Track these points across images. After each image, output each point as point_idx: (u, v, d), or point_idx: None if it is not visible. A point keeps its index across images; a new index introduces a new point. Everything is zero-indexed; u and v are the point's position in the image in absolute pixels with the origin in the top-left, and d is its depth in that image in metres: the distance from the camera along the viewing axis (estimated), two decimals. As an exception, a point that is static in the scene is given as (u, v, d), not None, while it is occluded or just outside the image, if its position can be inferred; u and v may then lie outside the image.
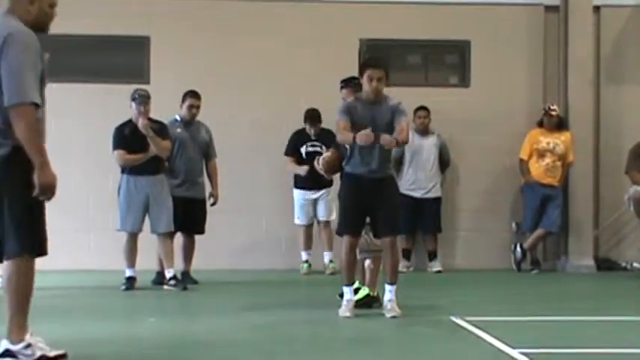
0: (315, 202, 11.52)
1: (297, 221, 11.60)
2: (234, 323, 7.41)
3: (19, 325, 5.22)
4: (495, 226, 12.29)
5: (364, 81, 7.31)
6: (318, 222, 11.66)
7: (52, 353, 5.26)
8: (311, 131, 11.40)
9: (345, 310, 7.49)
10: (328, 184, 11.04)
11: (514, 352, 5.76)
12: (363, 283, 8.26)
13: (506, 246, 12.16)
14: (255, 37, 11.96)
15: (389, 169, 7.76)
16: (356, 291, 8.36)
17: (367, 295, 8.12)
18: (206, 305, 8.80)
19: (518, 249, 12.07)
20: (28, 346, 5.21)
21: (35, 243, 5.23)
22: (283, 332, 6.83)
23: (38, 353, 5.19)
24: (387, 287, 7.55)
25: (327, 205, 11.50)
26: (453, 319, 6.99)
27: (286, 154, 11.51)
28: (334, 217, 11.55)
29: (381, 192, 7.49)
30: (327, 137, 11.03)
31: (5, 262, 5.24)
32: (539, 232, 12.00)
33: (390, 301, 7.52)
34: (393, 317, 7.33)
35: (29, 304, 5.25)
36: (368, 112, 7.37)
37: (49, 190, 5.06)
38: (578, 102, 12.25)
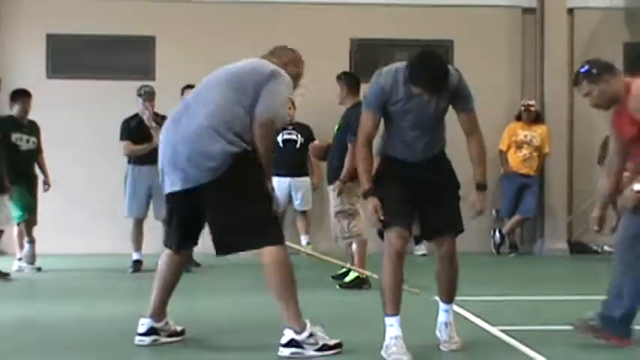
0: (292, 191, 11.60)
1: None
2: (236, 302, 7.63)
3: (295, 314, 5.23)
4: (476, 212, 12.74)
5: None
6: (295, 211, 11.80)
7: (332, 342, 5.28)
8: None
9: (397, 352, 5.17)
10: (306, 172, 11.26)
11: (494, 330, 5.99)
12: (352, 263, 8.46)
13: (486, 231, 12.36)
14: (253, 38, 11.75)
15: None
16: (346, 274, 8.72)
17: (357, 278, 8.39)
18: (209, 286, 8.96)
19: (497, 234, 12.38)
20: (311, 335, 5.23)
21: (278, 232, 5.39)
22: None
23: (320, 342, 5.23)
24: (442, 306, 5.64)
25: (305, 196, 11.69)
26: (437, 298, 7.30)
27: None
28: (310, 207, 11.81)
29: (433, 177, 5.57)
30: (303, 129, 11.52)
31: (261, 254, 5.27)
32: (516, 217, 12.33)
33: (446, 325, 5.57)
34: (453, 351, 5.51)
35: (296, 291, 5.24)
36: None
37: None
38: (553, 98, 12.53)
